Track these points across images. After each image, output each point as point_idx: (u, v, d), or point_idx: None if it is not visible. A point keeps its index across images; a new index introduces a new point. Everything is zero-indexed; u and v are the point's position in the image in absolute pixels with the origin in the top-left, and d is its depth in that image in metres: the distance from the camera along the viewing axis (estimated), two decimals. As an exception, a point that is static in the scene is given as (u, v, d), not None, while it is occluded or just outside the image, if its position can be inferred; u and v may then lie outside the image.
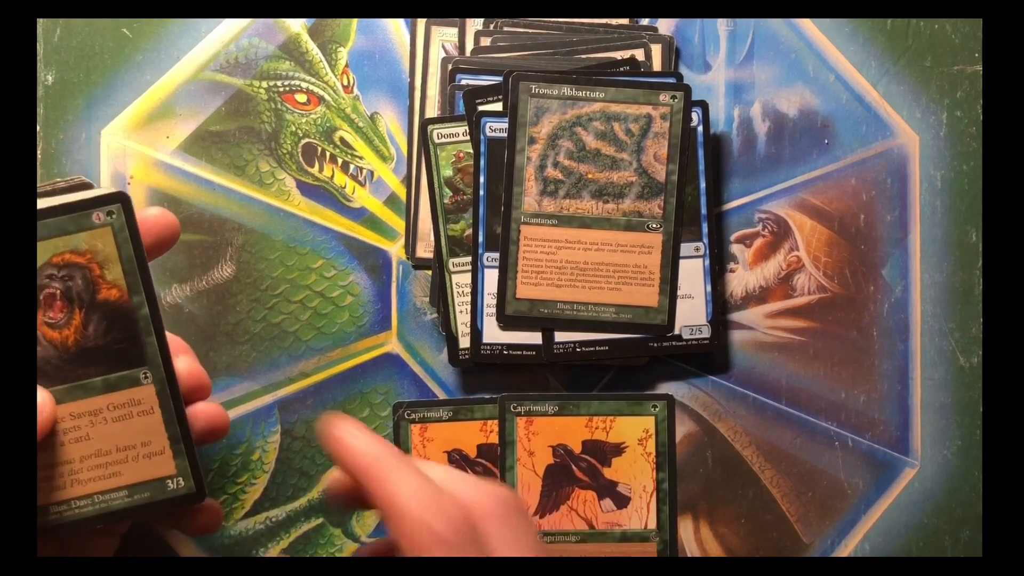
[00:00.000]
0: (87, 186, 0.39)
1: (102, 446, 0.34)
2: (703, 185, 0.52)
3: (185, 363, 0.43)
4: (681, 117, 0.51)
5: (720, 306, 0.53)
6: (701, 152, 0.52)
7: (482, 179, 0.51)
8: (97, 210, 0.33)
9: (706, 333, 0.52)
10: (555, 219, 0.51)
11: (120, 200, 0.33)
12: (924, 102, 0.54)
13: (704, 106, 0.52)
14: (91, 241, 0.33)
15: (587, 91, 0.50)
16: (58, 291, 0.33)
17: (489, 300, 0.51)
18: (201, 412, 0.43)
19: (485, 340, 0.51)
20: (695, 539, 0.53)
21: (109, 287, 0.34)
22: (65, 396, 0.34)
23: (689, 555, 0.53)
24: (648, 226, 0.51)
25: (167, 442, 0.37)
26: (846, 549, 0.53)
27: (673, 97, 0.51)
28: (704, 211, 0.52)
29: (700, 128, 0.52)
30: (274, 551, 0.52)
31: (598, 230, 0.51)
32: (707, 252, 0.52)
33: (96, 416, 0.34)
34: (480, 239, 0.51)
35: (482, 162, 0.51)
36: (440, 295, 0.52)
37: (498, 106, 0.51)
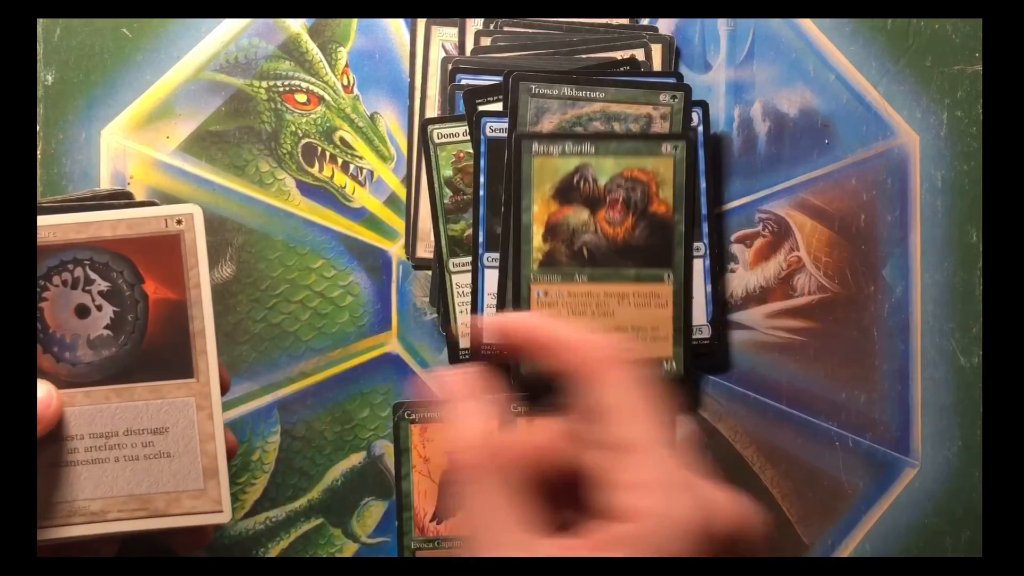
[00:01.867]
0: (128, 195, 0.42)
1: (623, 323, 0.45)
2: (703, 185, 0.52)
3: None
4: (681, 117, 0.51)
5: (720, 306, 0.53)
6: (701, 152, 0.52)
7: (482, 179, 0.51)
8: (666, 143, 0.46)
9: (706, 333, 0.52)
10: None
11: (684, 139, 0.46)
12: (924, 102, 0.54)
13: (704, 106, 0.52)
14: (656, 165, 0.45)
15: (587, 91, 0.50)
16: (621, 197, 0.44)
17: (489, 300, 0.51)
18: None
19: (486, 340, 0.51)
20: (695, 539, 0.53)
21: (660, 203, 0.45)
22: (605, 278, 0.45)
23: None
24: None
25: (670, 331, 0.48)
26: (846, 549, 0.53)
27: (673, 97, 0.51)
28: (704, 211, 0.52)
29: (700, 128, 0.52)
30: (274, 551, 0.52)
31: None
32: (707, 252, 0.52)
33: (623, 299, 0.45)
34: (480, 239, 0.51)
35: (482, 162, 0.51)
36: (440, 295, 0.52)
37: (498, 106, 0.51)
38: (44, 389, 0.39)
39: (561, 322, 0.32)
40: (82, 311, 0.40)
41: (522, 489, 0.29)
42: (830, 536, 0.53)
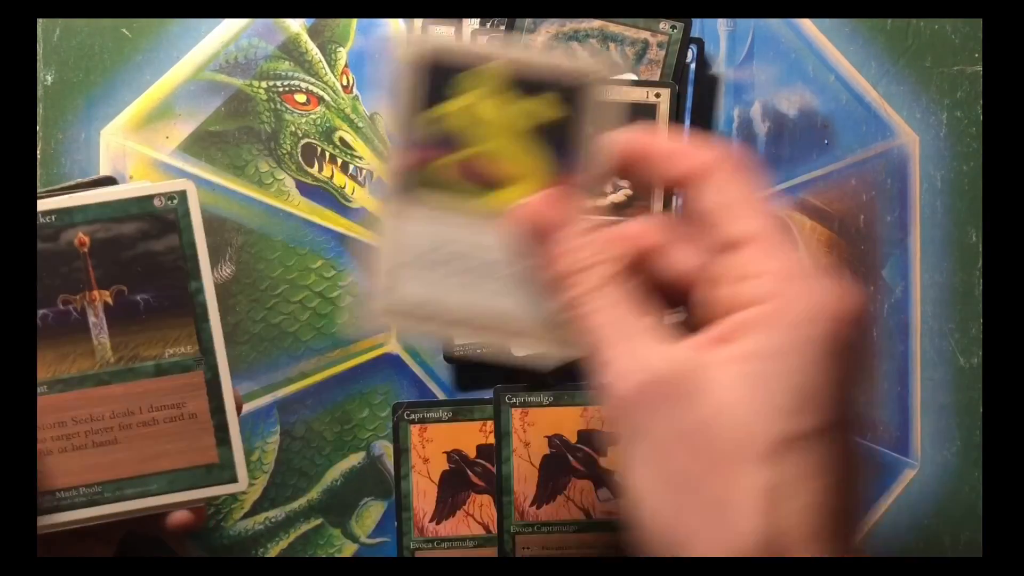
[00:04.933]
0: (112, 180, 0.43)
1: None
2: (687, 125, 0.51)
3: None
4: (678, 48, 0.51)
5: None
6: (691, 90, 0.51)
7: None
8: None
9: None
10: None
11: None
12: (924, 102, 0.54)
13: (700, 44, 0.52)
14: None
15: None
16: None
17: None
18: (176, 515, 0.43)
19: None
20: (695, 539, 0.53)
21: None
22: None
23: (689, 555, 0.53)
24: None
25: None
26: (846, 550, 0.53)
27: (673, 27, 0.50)
28: None
29: (693, 66, 0.51)
30: (274, 551, 0.52)
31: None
32: None
33: None
34: None
35: None
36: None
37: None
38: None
39: (658, 134, 0.32)
40: None
41: (639, 293, 0.29)
42: (830, 536, 0.53)
